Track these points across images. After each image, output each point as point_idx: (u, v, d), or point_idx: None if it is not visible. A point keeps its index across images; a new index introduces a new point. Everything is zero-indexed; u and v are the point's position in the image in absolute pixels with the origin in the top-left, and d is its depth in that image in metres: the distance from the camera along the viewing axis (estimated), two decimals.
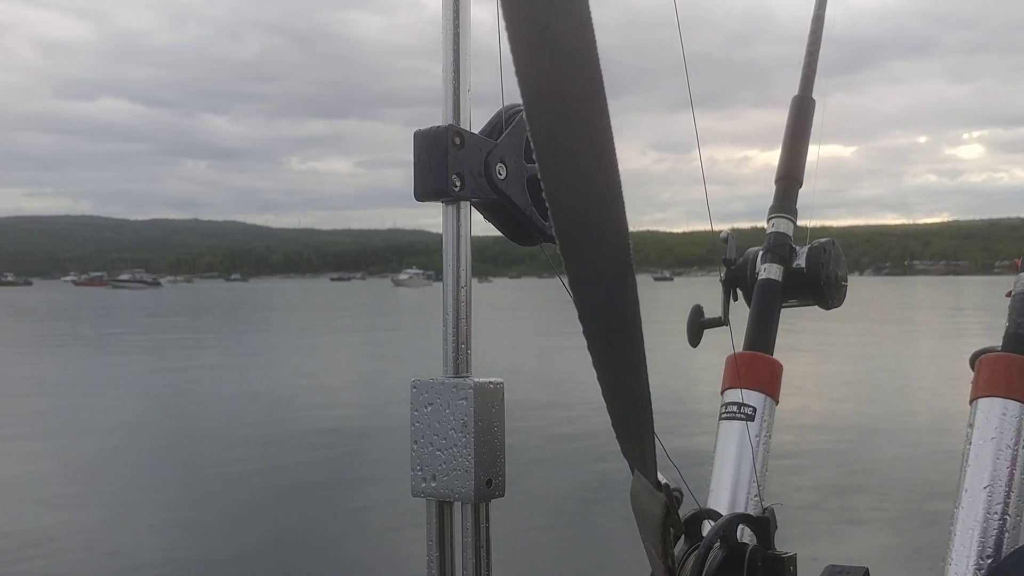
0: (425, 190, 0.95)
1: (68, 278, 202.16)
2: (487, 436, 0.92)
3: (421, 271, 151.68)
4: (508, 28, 0.54)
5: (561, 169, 0.57)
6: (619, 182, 0.56)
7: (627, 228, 0.57)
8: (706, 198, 1.06)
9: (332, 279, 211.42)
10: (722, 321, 1.37)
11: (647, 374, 0.61)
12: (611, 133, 0.56)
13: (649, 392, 0.61)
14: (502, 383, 0.93)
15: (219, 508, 8.11)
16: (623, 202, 0.57)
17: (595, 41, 0.55)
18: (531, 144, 0.56)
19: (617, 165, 0.56)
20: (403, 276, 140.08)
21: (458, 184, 0.94)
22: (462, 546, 0.92)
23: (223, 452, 10.63)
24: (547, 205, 0.56)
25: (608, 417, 0.61)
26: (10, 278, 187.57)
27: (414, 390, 0.95)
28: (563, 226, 0.57)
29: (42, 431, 12.47)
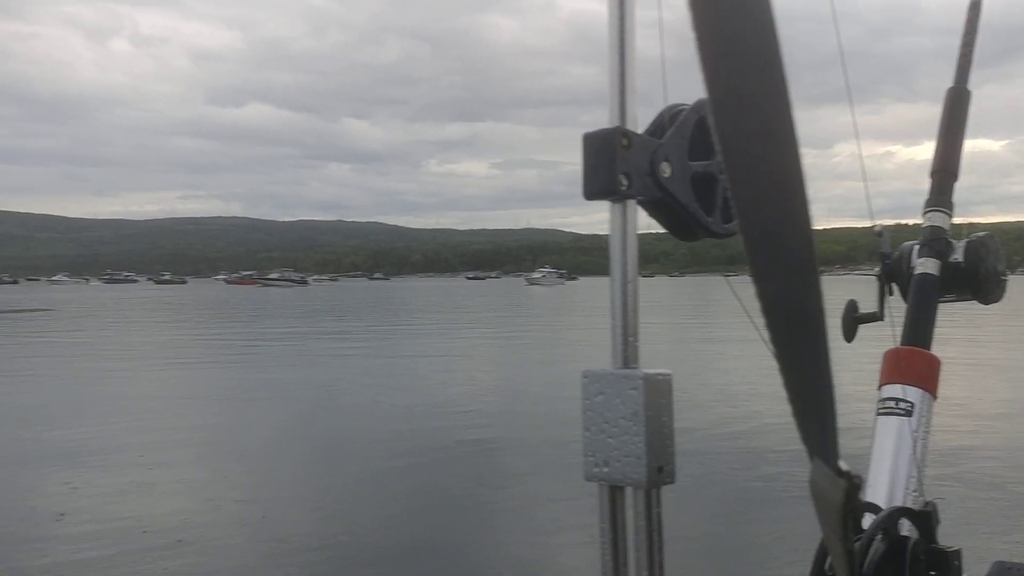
0: (594, 189, 0.97)
1: (220, 277, 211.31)
2: (657, 425, 0.95)
3: (554, 270, 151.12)
4: (696, 31, 0.56)
5: (747, 168, 0.59)
6: (803, 180, 0.58)
7: (811, 225, 0.59)
8: (866, 193, 1.05)
9: (468, 278, 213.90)
10: (878, 316, 1.37)
11: (831, 365, 0.62)
12: (796, 133, 0.58)
13: (832, 382, 0.63)
14: (670, 375, 0.97)
15: (376, 501, 7.89)
16: (808, 200, 0.59)
17: (779, 43, 0.57)
18: (716, 143, 0.58)
19: (801, 164, 0.58)
20: (536, 275, 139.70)
21: (625, 183, 0.96)
22: (634, 530, 0.95)
23: (378, 444, 10.38)
24: (732, 202, 0.58)
25: (785, 409, 0.62)
26: (167, 276, 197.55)
27: (585, 380, 0.99)
28: (748, 223, 0.59)
29: (202, 427, 12.08)
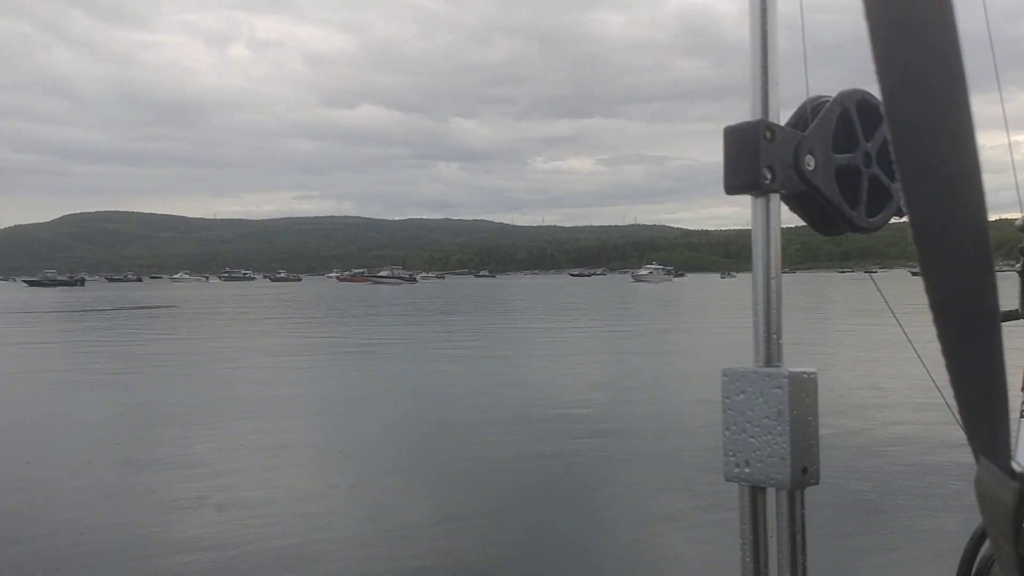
0: (736, 183, 0.96)
1: (332, 274, 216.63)
2: (801, 424, 0.91)
3: (661, 266, 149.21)
4: (868, 17, 0.55)
5: (920, 158, 0.57)
6: (979, 172, 0.56)
7: (987, 218, 0.57)
8: (1015, 183, 0.98)
9: (571, 274, 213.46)
10: (1019, 314, 1.28)
11: (1004, 362, 0.59)
12: (972, 122, 0.56)
13: (1005, 380, 0.58)
14: (815, 373, 0.92)
15: (488, 493, 7.81)
16: (983, 193, 0.57)
17: (956, 27, 0.55)
18: (888, 133, 0.56)
19: (978, 155, 0.56)
20: (643, 272, 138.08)
21: (769, 177, 0.94)
22: (777, 531, 0.91)
23: (493, 436, 10.30)
24: (903, 193, 0.56)
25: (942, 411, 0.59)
26: (283, 274, 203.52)
27: (725, 378, 0.96)
28: (919, 215, 0.58)
29: (321, 415, 12.33)
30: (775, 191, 0.96)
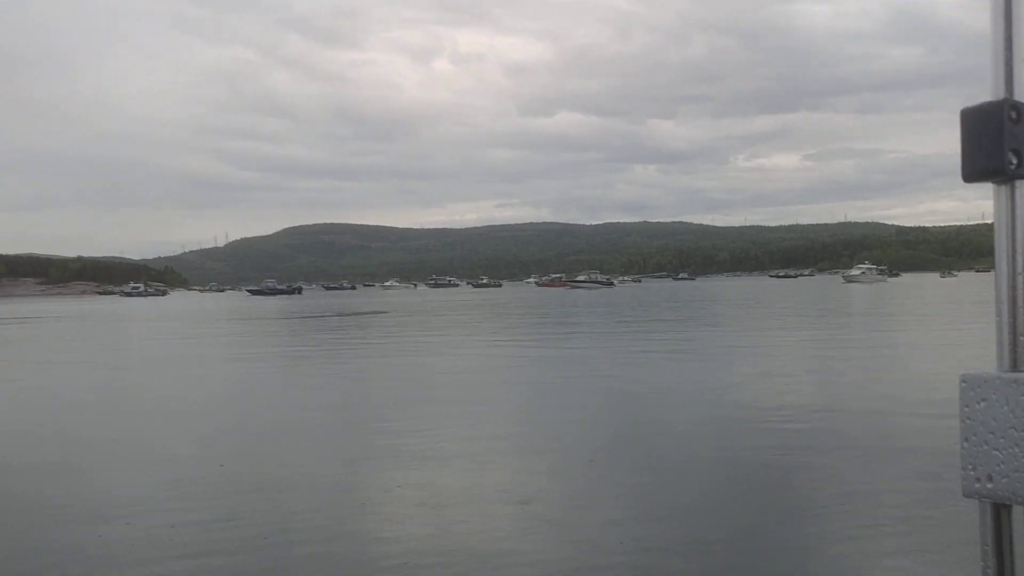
0: (975, 170, 0.88)
1: (531, 279, 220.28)
2: None
3: (874, 266, 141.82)
4: None
5: None
6: None
7: None
8: None
9: (771, 276, 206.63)
10: None
11: None
12: None
13: None
14: None
15: (686, 495, 7.81)
16: None
17: None
18: None
19: None
20: (855, 271, 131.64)
21: (1015, 161, 0.87)
22: None
23: (689, 439, 10.41)
24: None
25: None
26: (484, 280, 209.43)
27: (964, 385, 0.88)
28: None
29: (514, 407, 13.20)
30: (1022, 177, 0.88)
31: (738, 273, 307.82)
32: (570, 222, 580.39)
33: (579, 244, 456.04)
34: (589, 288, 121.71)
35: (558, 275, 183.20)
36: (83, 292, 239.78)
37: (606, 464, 9.20)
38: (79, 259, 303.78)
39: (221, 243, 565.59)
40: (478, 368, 20.05)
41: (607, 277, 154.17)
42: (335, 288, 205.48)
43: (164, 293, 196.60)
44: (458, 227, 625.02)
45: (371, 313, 55.96)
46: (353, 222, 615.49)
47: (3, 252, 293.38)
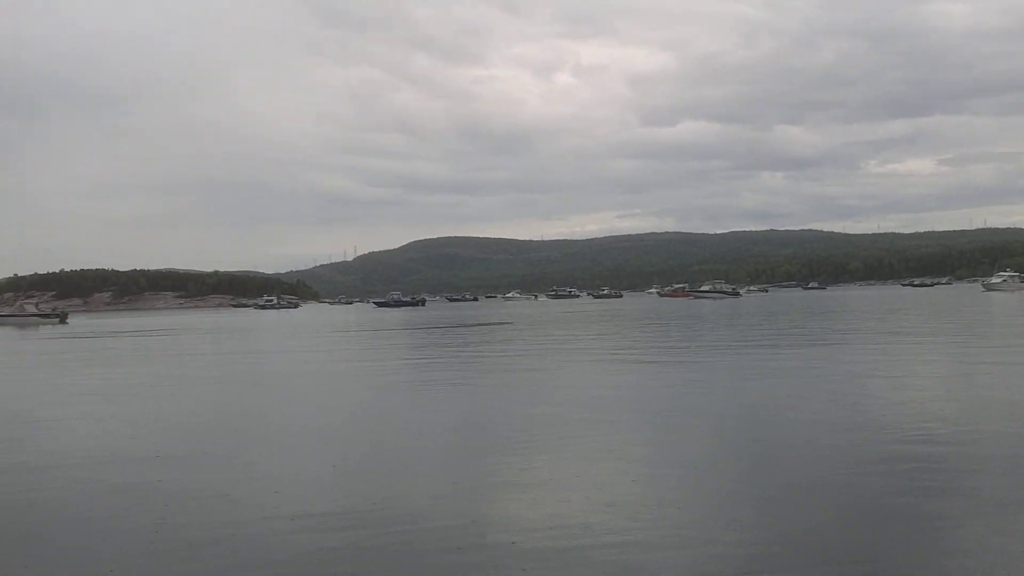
0: None
1: (652, 290, 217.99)
2: None
3: (1017, 273, 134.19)
4: None
5: None
6: None
7: None
8: None
9: (904, 284, 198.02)
10: None
11: None
12: None
13: None
14: None
15: (807, 516, 7.58)
16: None
17: None
18: None
19: None
20: (995, 279, 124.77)
21: None
22: None
23: (813, 457, 10.07)
24: None
25: None
26: (606, 291, 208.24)
27: None
28: None
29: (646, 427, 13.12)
30: None
31: (871, 282, 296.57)
32: (694, 231, 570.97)
33: (703, 254, 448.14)
34: (714, 298, 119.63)
35: (681, 285, 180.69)
36: (219, 305, 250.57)
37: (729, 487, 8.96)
38: (215, 273, 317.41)
39: (350, 257, 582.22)
40: (599, 384, 19.91)
41: (732, 287, 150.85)
42: (457, 300, 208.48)
43: (296, 306, 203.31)
44: (579, 238, 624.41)
45: (495, 324, 56.44)
46: (475, 235, 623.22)
47: (146, 268, 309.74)
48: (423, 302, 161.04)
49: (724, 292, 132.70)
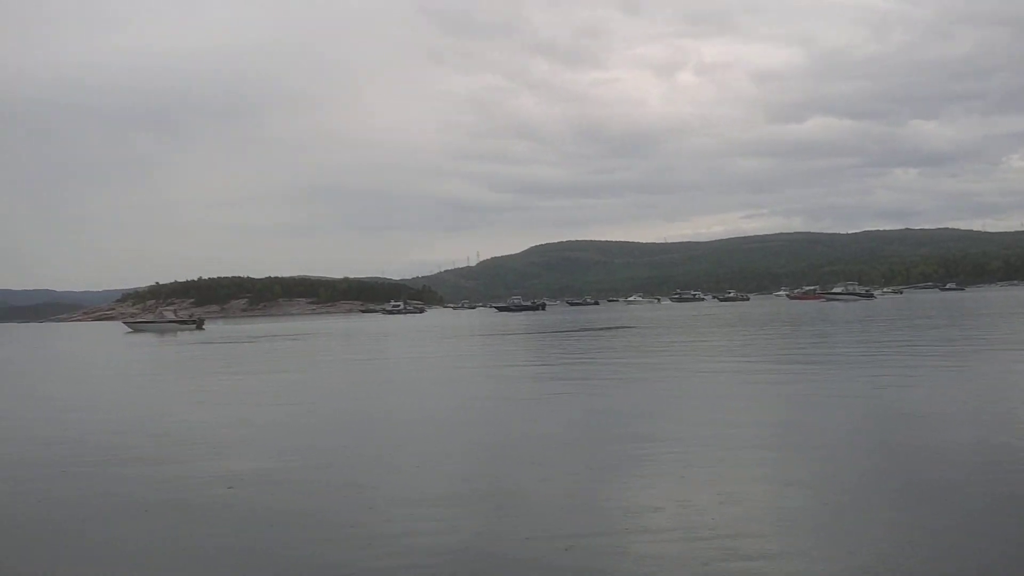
0: None
1: (780, 292, 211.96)
2: None
3: None
4: None
5: None
6: None
7: None
8: None
9: None
10: None
11: None
12: None
13: None
14: None
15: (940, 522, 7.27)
16: None
17: None
18: None
19: None
20: None
21: None
22: None
23: (948, 465, 9.56)
24: None
25: None
26: (732, 294, 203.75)
27: None
28: None
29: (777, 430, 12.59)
30: None
31: (1014, 282, 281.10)
32: (824, 231, 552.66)
33: (834, 254, 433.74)
34: (846, 300, 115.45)
35: (811, 287, 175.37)
36: (348, 310, 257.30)
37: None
38: (345, 280, 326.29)
39: (473, 262, 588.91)
40: (725, 391, 19.30)
41: (866, 288, 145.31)
42: (578, 304, 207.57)
43: (422, 311, 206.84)
44: (703, 240, 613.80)
45: (617, 328, 55.89)
46: (596, 238, 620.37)
47: (280, 275, 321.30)
48: (543, 306, 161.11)
49: (857, 294, 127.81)
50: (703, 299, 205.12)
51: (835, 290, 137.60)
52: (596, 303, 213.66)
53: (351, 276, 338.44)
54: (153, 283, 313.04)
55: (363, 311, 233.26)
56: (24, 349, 64.00)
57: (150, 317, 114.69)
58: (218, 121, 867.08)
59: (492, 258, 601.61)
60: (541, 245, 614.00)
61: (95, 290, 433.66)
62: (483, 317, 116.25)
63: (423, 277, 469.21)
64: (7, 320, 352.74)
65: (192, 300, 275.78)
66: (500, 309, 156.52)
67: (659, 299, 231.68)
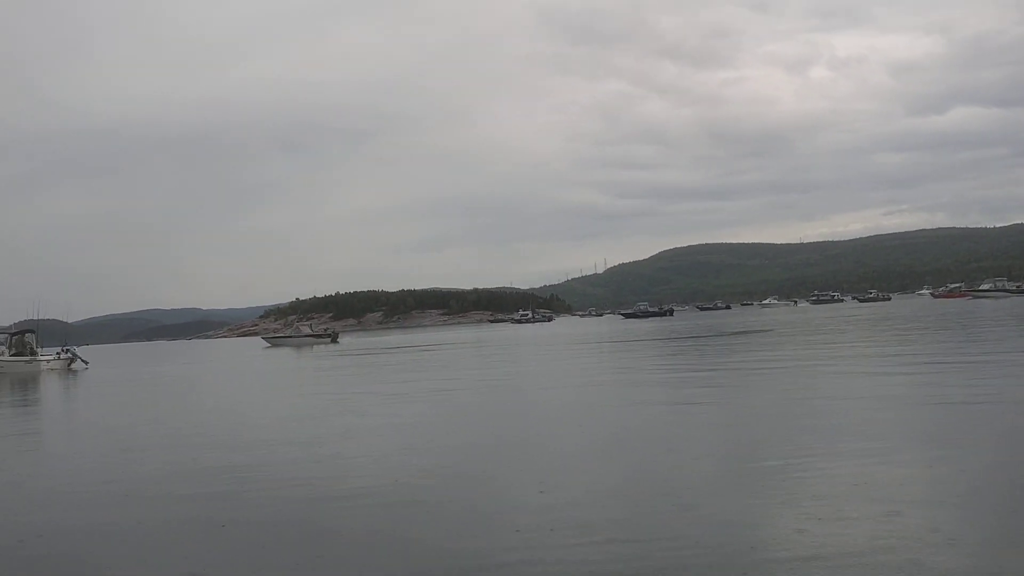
0: None
1: (923, 291, 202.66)
2: None
3: None
4: None
5: None
6: None
7: None
8: None
9: None
10: None
11: None
12: None
13: None
14: None
15: None
16: None
17: None
18: None
19: None
20: None
21: None
22: None
23: None
24: None
25: None
26: (872, 293, 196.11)
27: None
28: None
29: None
30: None
31: None
32: (970, 226, 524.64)
33: (981, 250, 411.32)
34: (996, 298, 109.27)
35: (956, 285, 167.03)
36: (479, 320, 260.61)
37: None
38: (475, 291, 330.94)
39: (600, 269, 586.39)
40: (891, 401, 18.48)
41: (1017, 284, 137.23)
42: (708, 308, 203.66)
43: (550, 319, 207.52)
44: (841, 239, 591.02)
45: (752, 332, 54.44)
46: (728, 241, 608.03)
47: (413, 288, 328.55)
48: (671, 312, 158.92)
49: (1008, 290, 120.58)
50: (842, 300, 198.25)
51: (983, 287, 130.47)
52: (728, 307, 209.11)
53: (480, 287, 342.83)
54: (294, 299, 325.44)
55: (492, 320, 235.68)
56: (178, 366, 67.33)
57: (288, 332, 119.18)
58: (354, 141, 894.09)
59: (619, 264, 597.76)
60: (670, 250, 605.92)
61: (239, 307, 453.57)
62: (611, 324, 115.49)
63: (551, 286, 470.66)
64: (158, 338, 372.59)
65: (331, 314, 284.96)
66: (627, 316, 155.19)
67: (795, 301, 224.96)
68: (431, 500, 9.60)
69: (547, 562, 7.04)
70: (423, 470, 11.49)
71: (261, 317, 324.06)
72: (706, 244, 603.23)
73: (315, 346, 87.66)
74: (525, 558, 7.16)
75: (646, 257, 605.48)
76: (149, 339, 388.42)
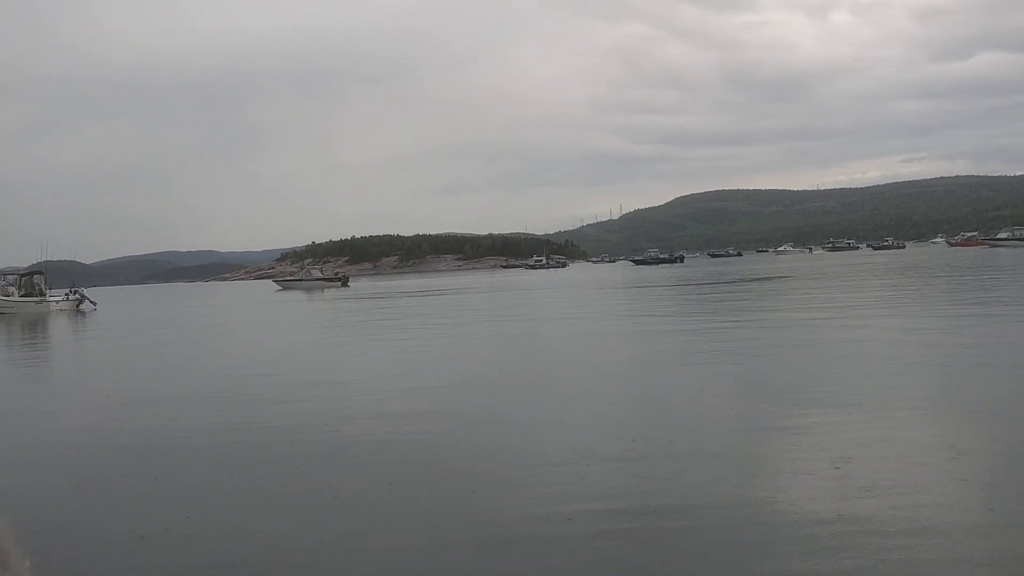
0: None
1: (937, 239, 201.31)
2: None
3: None
4: None
5: None
6: None
7: None
8: None
9: None
10: None
11: None
12: None
13: None
14: None
15: None
16: None
17: None
18: None
19: None
20: None
21: None
22: None
23: None
24: None
25: None
26: (888, 241, 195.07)
27: None
28: None
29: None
30: None
31: None
32: (990, 174, 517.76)
33: (1000, 199, 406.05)
34: (1012, 247, 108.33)
35: (972, 233, 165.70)
36: (493, 266, 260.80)
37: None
38: (490, 236, 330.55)
39: (616, 216, 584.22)
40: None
41: None
42: (720, 255, 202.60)
43: (564, 265, 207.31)
44: (859, 186, 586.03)
45: (769, 279, 54.48)
46: (745, 187, 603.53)
47: (428, 232, 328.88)
48: (681, 258, 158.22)
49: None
50: (858, 248, 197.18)
51: (1000, 235, 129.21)
52: (739, 254, 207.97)
53: (495, 232, 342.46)
54: (310, 242, 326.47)
55: (505, 266, 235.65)
56: (195, 306, 68.04)
57: (299, 275, 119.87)
58: (380, 84, 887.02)
59: (635, 211, 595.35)
60: (686, 196, 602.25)
61: (256, 250, 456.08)
62: (623, 270, 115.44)
63: (566, 232, 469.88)
64: (175, 280, 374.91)
65: (346, 258, 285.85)
66: (637, 262, 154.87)
67: (811, 248, 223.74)
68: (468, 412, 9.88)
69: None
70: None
71: (277, 260, 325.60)
72: (722, 190, 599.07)
73: (325, 289, 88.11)
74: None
75: (662, 203, 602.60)
76: (167, 280, 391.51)
